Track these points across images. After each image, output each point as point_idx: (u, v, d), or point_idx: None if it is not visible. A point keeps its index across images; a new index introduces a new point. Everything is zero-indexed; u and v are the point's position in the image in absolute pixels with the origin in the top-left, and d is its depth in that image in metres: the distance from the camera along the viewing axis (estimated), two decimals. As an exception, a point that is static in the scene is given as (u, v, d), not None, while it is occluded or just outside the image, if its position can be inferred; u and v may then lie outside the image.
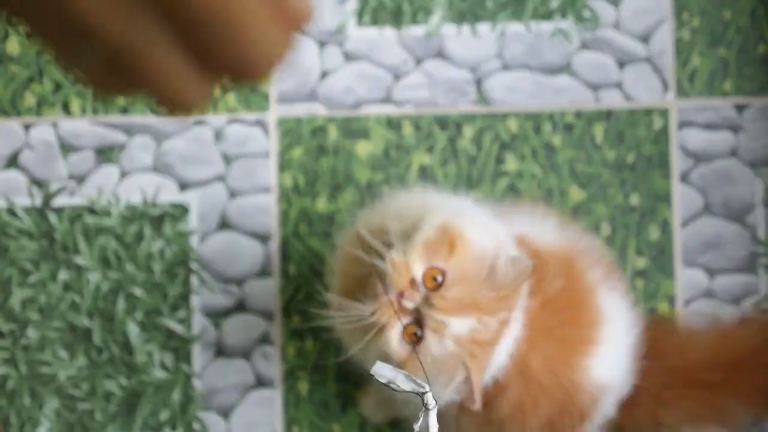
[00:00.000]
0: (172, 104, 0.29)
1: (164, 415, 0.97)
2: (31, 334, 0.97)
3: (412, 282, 0.64)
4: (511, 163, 0.99)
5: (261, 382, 0.98)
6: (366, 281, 0.67)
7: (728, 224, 0.99)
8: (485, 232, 0.67)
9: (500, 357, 0.68)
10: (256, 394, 0.98)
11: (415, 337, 0.64)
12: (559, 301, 0.72)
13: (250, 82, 0.29)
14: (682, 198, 0.99)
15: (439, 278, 0.64)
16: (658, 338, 0.88)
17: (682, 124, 0.99)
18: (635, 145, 0.99)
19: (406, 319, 0.64)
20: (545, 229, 0.79)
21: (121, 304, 0.97)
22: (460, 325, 0.63)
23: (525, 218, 0.80)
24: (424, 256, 0.65)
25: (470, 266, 0.65)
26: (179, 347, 0.97)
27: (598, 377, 0.74)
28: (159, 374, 0.97)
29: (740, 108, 0.99)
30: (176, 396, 0.97)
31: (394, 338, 0.64)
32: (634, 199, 0.99)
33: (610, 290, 0.77)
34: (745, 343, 0.90)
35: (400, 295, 0.63)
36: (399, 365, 0.64)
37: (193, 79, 0.29)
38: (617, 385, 0.77)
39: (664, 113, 0.99)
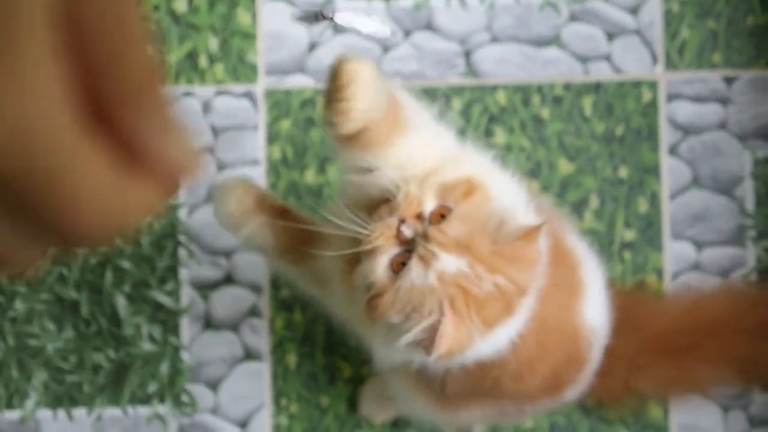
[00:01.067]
0: (6, 266, 0.24)
1: (152, 388, 0.97)
2: (19, 306, 0.97)
3: (419, 216, 0.62)
4: (499, 136, 0.98)
5: (249, 355, 0.98)
6: (376, 204, 0.65)
7: (716, 197, 0.99)
8: (505, 191, 0.66)
9: (496, 339, 0.64)
10: (245, 367, 0.98)
11: (401, 267, 0.62)
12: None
13: (94, 245, 0.24)
14: (671, 170, 0.99)
15: (447, 217, 0.63)
16: (631, 306, 0.88)
17: (671, 97, 0.99)
18: (624, 118, 0.99)
19: (399, 248, 0.62)
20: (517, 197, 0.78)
21: (108, 276, 0.97)
22: (449, 261, 0.60)
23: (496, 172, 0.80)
24: (438, 195, 0.63)
25: (480, 214, 0.62)
26: (167, 320, 0.97)
27: (589, 320, 0.72)
28: (147, 347, 0.97)
29: (729, 80, 0.99)
30: (164, 368, 0.97)
31: (383, 263, 0.62)
32: (623, 172, 0.99)
33: (572, 234, 0.76)
34: (717, 309, 0.90)
35: (402, 221, 0.62)
36: (377, 293, 0.63)
37: (14, 243, 0.23)
38: (601, 331, 0.76)
39: (653, 85, 0.99)
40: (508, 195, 0.66)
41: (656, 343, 0.88)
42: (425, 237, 0.61)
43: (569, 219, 0.80)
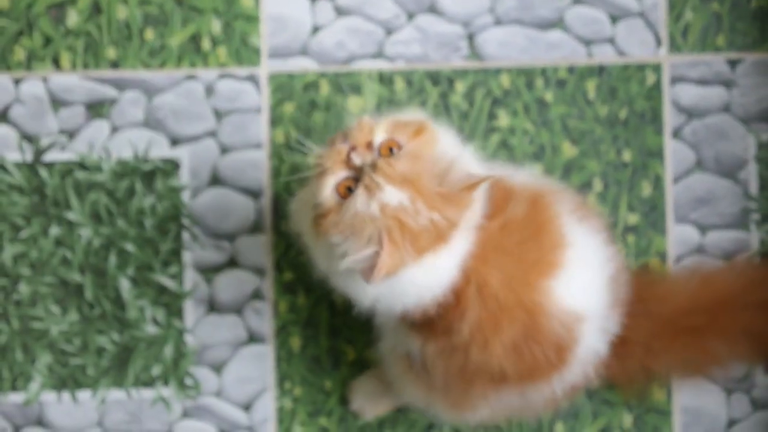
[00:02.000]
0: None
1: (156, 371, 0.98)
2: (23, 289, 0.97)
3: (369, 144, 0.67)
4: (503, 119, 0.98)
5: (253, 338, 0.98)
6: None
7: (720, 180, 0.99)
8: (455, 144, 0.70)
9: (437, 276, 0.68)
10: (248, 350, 0.98)
11: (347, 192, 0.66)
12: (519, 223, 0.72)
13: None
14: (675, 154, 0.99)
15: (395, 151, 0.67)
16: (643, 289, 0.88)
17: (675, 80, 0.99)
18: (628, 101, 0.98)
19: (346, 173, 0.66)
20: (521, 175, 0.79)
21: (112, 259, 0.97)
22: (392, 194, 0.64)
23: (509, 167, 0.82)
24: (390, 129, 0.68)
25: (428, 155, 0.67)
26: (171, 303, 0.98)
27: (566, 302, 0.72)
28: (151, 330, 0.97)
29: (733, 63, 0.99)
30: (168, 351, 0.97)
31: (330, 184, 0.66)
32: (627, 155, 0.98)
33: (578, 220, 0.76)
34: (729, 285, 0.90)
35: (352, 148, 0.66)
36: (322, 213, 0.67)
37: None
38: (596, 315, 0.75)
39: (656, 68, 0.99)
40: (455, 143, 0.70)
41: (670, 325, 0.88)
42: (373, 167, 0.65)
43: (582, 201, 0.80)
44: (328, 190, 0.67)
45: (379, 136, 0.68)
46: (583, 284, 0.73)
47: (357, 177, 0.66)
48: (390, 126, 0.68)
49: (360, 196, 0.65)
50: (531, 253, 0.72)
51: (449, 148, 0.68)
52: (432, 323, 0.72)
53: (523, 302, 0.71)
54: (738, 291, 0.89)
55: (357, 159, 0.66)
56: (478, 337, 0.71)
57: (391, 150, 0.67)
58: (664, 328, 0.88)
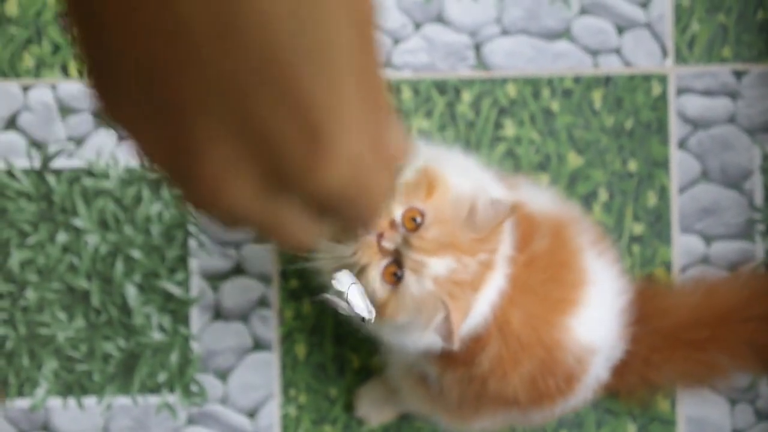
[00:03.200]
0: (286, 246, 0.31)
1: (162, 377, 0.98)
2: (30, 295, 0.97)
3: (392, 223, 0.65)
4: (509, 128, 0.99)
5: (258, 345, 0.98)
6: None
7: (725, 191, 0.99)
8: (465, 173, 0.68)
9: (482, 304, 0.69)
10: (254, 357, 0.98)
11: (394, 278, 0.65)
12: (543, 260, 0.72)
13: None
14: (680, 164, 0.99)
15: (418, 219, 0.65)
16: (644, 301, 0.88)
17: (681, 91, 0.99)
18: (633, 111, 0.99)
19: (386, 260, 0.65)
20: (541, 198, 0.79)
21: (119, 266, 0.98)
22: (439, 265, 0.64)
23: (524, 188, 0.81)
24: (403, 198, 0.66)
25: (449, 207, 0.66)
26: (177, 310, 0.98)
27: (582, 338, 0.74)
28: (157, 336, 0.98)
29: (739, 74, 0.99)
30: (174, 358, 0.98)
31: (375, 278, 0.65)
32: (632, 165, 0.99)
33: (597, 255, 0.77)
34: (730, 298, 0.90)
35: (380, 236, 0.65)
36: (379, 305, 0.66)
37: (308, 227, 0.30)
38: (606, 347, 0.77)
39: (662, 79, 0.99)
40: (465, 173, 0.69)
41: (671, 339, 0.89)
42: (408, 245, 0.64)
43: (606, 240, 0.81)
44: (375, 283, 0.65)
45: (397, 211, 0.66)
46: (598, 319, 0.75)
47: (397, 259, 0.65)
48: (402, 196, 0.67)
49: (410, 280, 0.64)
50: (554, 292, 0.73)
51: (463, 187, 0.67)
52: (453, 355, 0.73)
53: (543, 340, 0.72)
54: (740, 303, 0.90)
55: (388, 244, 0.65)
56: (497, 370, 0.73)
57: (414, 219, 0.65)
58: (665, 342, 0.88)
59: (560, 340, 0.73)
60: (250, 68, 0.24)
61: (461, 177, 0.68)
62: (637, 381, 0.91)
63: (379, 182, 0.29)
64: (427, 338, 0.66)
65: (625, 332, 0.80)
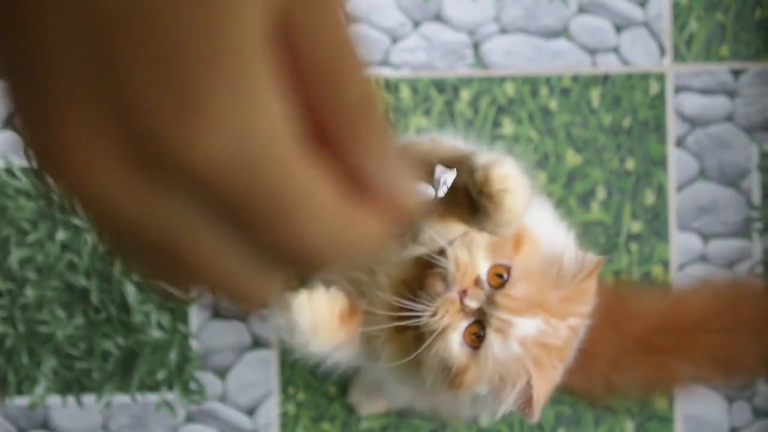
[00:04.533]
0: (237, 299, 0.24)
1: (161, 375, 0.98)
2: (29, 293, 0.98)
3: (477, 281, 0.60)
4: (507, 127, 0.99)
5: (257, 343, 0.98)
6: (422, 279, 0.61)
7: (723, 189, 0.99)
8: (552, 229, 0.64)
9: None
10: (253, 355, 0.98)
11: (477, 339, 0.59)
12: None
13: (322, 271, 0.24)
14: (678, 162, 0.99)
15: (504, 275, 0.60)
16: (615, 304, 0.88)
17: (679, 89, 0.99)
18: (631, 110, 0.99)
19: (468, 321, 0.59)
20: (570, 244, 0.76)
21: (118, 264, 0.98)
22: (526, 326, 0.58)
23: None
24: (488, 253, 0.61)
25: (537, 264, 0.61)
26: (176, 308, 0.98)
27: None
28: (156, 334, 0.98)
29: (736, 73, 0.99)
30: (173, 356, 0.98)
31: (456, 341, 0.59)
32: (630, 164, 0.99)
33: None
34: (697, 308, 0.91)
35: (464, 293, 0.59)
36: (458, 372, 0.60)
37: (254, 274, 0.23)
38: None
39: (660, 78, 0.99)
40: (551, 228, 0.65)
41: (638, 344, 0.89)
42: (493, 304, 0.59)
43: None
44: (456, 346, 0.59)
45: (484, 268, 0.60)
46: None
47: (480, 320, 0.59)
48: (488, 251, 0.61)
49: (494, 340, 0.58)
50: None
51: (551, 241, 0.62)
52: None
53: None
54: (705, 315, 0.90)
55: (472, 303, 0.59)
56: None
57: (500, 276, 0.60)
58: (632, 345, 0.88)
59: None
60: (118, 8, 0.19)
61: (547, 231, 0.63)
62: (600, 382, 0.92)
63: (282, 165, 0.21)
64: (505, 409, 0.61)
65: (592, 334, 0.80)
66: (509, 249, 0.61)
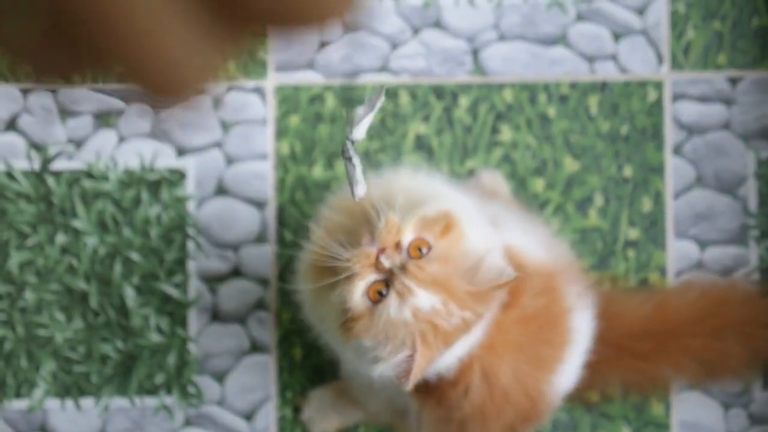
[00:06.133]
0: (160, 83, 0.19)
1: (159, 379, 0.98)
2: (29, 296, 0.98)
3: (398, 245, 0.64)
4: (506, 134, 0.99)
5: (256, 347, 0.99)
6: (355, 230, 0.67)
7: (720, 196, 1.00)
8: (481, 234, 0.68)
9: (449, 357, 0.69)
10: (251, 359, 0.99)
11: (378, 296, 0.64)
12: (537, 319, 0.73)
13: (302, 30, 0.20)
14: (675, 170, 1.00)
15: (424, 251, 0.65)
16: (596, 310, 0.89)
17: (676, 97, 1.00)
18: (629, 117, 1.00)
19: (376, 276, 0.64)
20: (535, 242, 0.79)
21: (118, 268, 0.98)
22: (425, 299, 0.63)
23: (518, 227, 0.81)
24: (417, 227, 0.65)
25: (456, 254, 0.65)
26: (175, 311, 0.98)
27: (559, 389, 0.77)
28: (155, 338, 0.98)
29: (734, 81, 1.00)
30: (172, 360, 0.98)
31: (360, 289, 0.64)
32: (628, 171, 1.00)
33: (582, 309, 0.78)
34: (680, 312, 0.92)
35: (382, 251, 0.64)
36: (352, 318, 0.65)
37: (198, 42, 0.18)
38: (568, 386, 0.81)
39: (658, 85, 1.00)
40: (481, 233, 0.69)
41: (619, 348, 0.91)
42: (404, 270, 0.63)
43: (587, 283, 0.82)
44: (358, 294, 0.64)
45: (408, 236, 0.65)
46: (573, 369, 0.78)
47: (387, 279, 0.64)
48: (418, 224, 0.66)
49: (392, 301, 0.63)
50: (543, 351, 0.75)
51: (477, 242, 0.67)
52: (431, 393, 0.74)
53: (529, 394, 0.74)
54: (689, 318, 0.91)
55: (386, 262, 0.64)
56: (478, 417, 0.74)
57: (420, 250, 0.65)
58: (614, 352, 0.90)
59: (544, 393, 0.75)
60: None
61: (476, 233, 0.67)
62: (584, 386, 0.93)
63: None
64: (383, 370, 0.65)
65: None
66: (437, 231, 0.66)
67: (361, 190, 0.57)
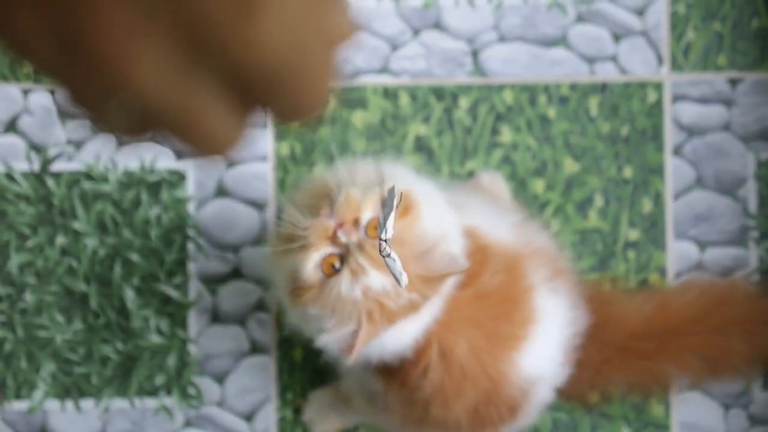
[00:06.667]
0: (204, 147, 0.27)
1: (159, 380, 0.98)
2: (29, 298, 0.98)
3: (356, 221, 0.65)
4: (506, 135, 0.99)
5: (256, 349, 0.99)
6: (318, 203, 0.68)
7: (720, 197, 1.00)
8: (439, 219, 0.69)
9: (407, 337, 0.69)
10: (251, 360, 0.99)
11: (332, 269, 0.65)
12: (494, 295, 0.73)
13: (303, 120, 0.28)
14: (675, 171, 1.00)
15: None
16: (597, 308, 0.89)
17: (676, 98, 1.00)
18: (629, 118, 1.00)
19: (331, 250, 0.65)
20: (501, 225, 0.79)
21: (117, 269, 0.98)
22: (377, 279, 0.64)
23: (486, 211, 0.81)
24: (377, 206, 0.67)
25: (412, 237, 0.66)
26: (175, 313, 0.98)
27: (527, 371, 0.75)
28: (155, 339, 0.98)
29: (734, 82, 1.00)
30: (171, 361, 0.98)
31: (314, 260, 0.65)
32: (628, 172, 1.00)
33: (551, 291, 0.77)
34: (681, 311, 0.92)
35: (339, 225, 0.65)
36: (303, 286, 0.66)
37: (230, 122, 0.27)
38: (550, 377, 0.79)
39: (658, 87, 1.00)
40: (439, 218, 0.69)
41: (621, 350, 0.91)
42: (360, 247, 0.64)
43: (566, 272, 0.82)
44: (311, 265, 0.65)
45: (366, 214, 0.66)
46: (543, 353, 0.77)
47: (341, 254, 0.65)
48: (377, 203, 0.67)
49: (345, 278, 0.64)
50: (501, 327, 0.74)
51: (434, 225, 0.67)
52: (394, 375, 0.74)
53: (487, 372, 0.73)
54: (691, 316, 0.91)
55: (343, 237, 0.65)
56: (439, 397, 0.74)
57: (377, 228, 0.65)
58: (616, 352, 0.90)
59: (505, 373, 0.74)
60: None
61: (434, 218, 0.68)
62: (587, 387, 0.93)
63: (319, 58, 0.26)
64: (327, 340, 0.66)
65: (572, 355, 0.82)
66: (396, 214, 0.65)
67: (404, 279, 0.58)
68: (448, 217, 0.71)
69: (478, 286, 0.72)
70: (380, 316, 0.65)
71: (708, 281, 0.98)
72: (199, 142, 0.27)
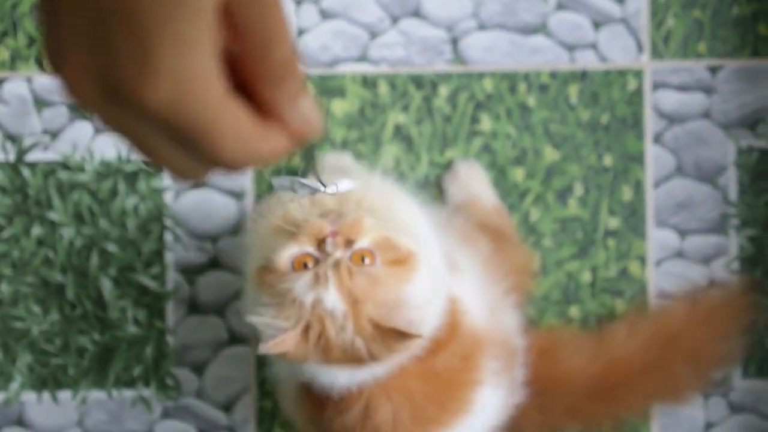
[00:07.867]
0: (182, 178, 0.35)
1: (137, 371, 0.98)
2: (5, 289, 0.97)
3: (348, 241, 0.65)
4: (485, 123, 0.99)
5: (234, 339, 0.98)
6: (328, 208, 0.68)
7: (700, 185, 1.00)
8: (429, 287, 0.67)
9: (345, 379, 0.69)
10: (230, 351, 0.98)
11: (301, 266, 0.64)
12: (440, 378, 0.72)
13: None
14: (655, 159, 0.99)
15: (367, 261, 0.65)
16: (542, 373, 0.89)
17: (656, 86, 0.99)
18: (609, 106, 0.99)
19: (310, 250, 0.65)
20: (481, 305, 0.78)
21: (94, 259, 0.97)
22: (331, 301, 0.63)
23: (474, 282, 0.80)
24: (377, 241, 0.65)
25: (389, 288, 0.65)
26: (153, 303, 0.98)
27: None
28: (132, 330, 0.98)
29: (714, 70, 0.99)
30: (149, 352, 0.98)
31: (289, 252, 0.65)
32: (608, 160, 0.99)
33: (493, 387, 0.77)
34: (628, 362, 0.93)
35: (333, 234, 0.64)
36: (267, 270, 0.66)
37: (193, 165, 0.34)
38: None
39: (638, 74, 0.99)
40: (430, 287, 0.68)
41: (572, 411, 0.93)
42: (337, 265, 0.63)
43: (515, 358, 0.82)
44: (285, 254, 0.65)
45: (363, 242, 0.65)
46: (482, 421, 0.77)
47: (318, 258, 0.64)
48: (379, 239, 0.66)
49: (305, 279, 0.64)
50: (430, 410, 0.73)
51: (417, 292, 0.66)
52: (313, 397, 0.73)
53: None
54: (637, 368, 0.93)
55: (329, 247, 0.64)
56: None
57: (363, 259, 0.65)
58: (565, 412, 0.92)
59: None
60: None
61: (425, 288, 0.67)
62: (558, 423, 0.95)
63: (221, 119, 0.31)
64: (258, 321, 0.65)
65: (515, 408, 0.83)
66: (390, 258, 0.65)
67: (322, 188, 0.59)
68: (441, 287, 0.70)
69: (431, 363, 0.70)
70: (316, 339, 0.64)
71: (655, 315, 0.98)
72: (167, 170, 0.35)
